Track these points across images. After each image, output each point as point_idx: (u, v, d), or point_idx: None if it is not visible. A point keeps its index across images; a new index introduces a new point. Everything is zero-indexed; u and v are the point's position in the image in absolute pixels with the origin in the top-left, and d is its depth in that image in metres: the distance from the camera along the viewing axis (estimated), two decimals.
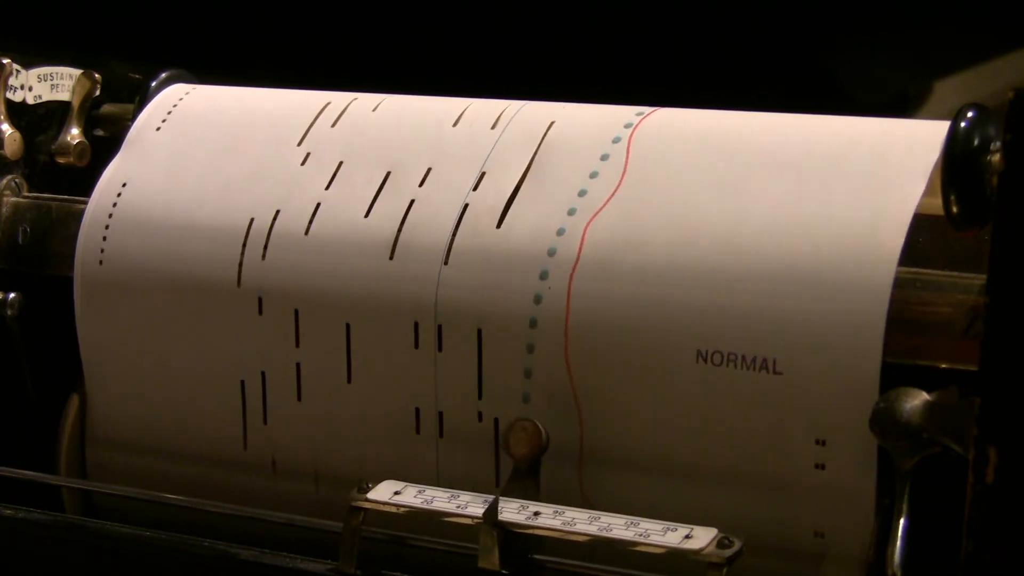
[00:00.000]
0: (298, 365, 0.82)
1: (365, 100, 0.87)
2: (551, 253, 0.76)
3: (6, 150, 0.91)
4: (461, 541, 0.72)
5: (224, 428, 0.84)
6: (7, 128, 0.91)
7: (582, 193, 0.77)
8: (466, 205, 0.79)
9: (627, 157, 0.78)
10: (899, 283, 0.71)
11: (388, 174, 0.82)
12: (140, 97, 0.91)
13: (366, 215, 0.81)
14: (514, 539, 0.70)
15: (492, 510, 0.70)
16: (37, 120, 0.93)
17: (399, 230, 0.80)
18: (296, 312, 0.81)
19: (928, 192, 0.73)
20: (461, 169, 0.81)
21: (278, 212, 0.82)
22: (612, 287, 0.75)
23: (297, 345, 0.81)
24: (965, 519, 0.63)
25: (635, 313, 0.74)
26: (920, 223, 0.73)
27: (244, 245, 0.82)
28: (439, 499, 0.72)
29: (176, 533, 0.77)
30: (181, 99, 0.91)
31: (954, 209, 0.72)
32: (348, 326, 0.80)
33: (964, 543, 0.63)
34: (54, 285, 0.89)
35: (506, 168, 0.80)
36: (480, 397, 0.78)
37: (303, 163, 0.84)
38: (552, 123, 0.81)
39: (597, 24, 1.45)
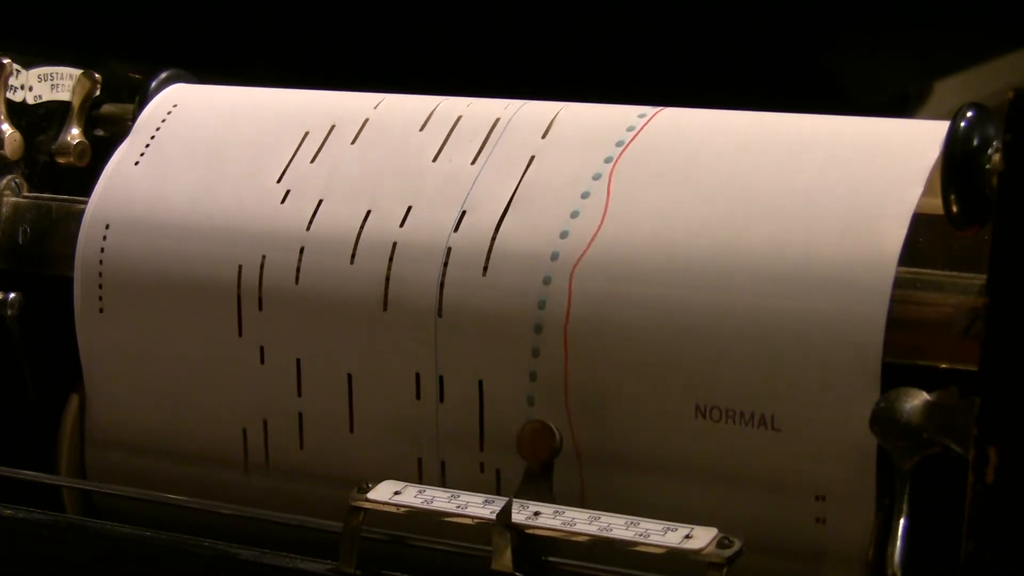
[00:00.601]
0: (298, 361, 0.82)
1: (346, 128, 0.86)
2: (541, 306, 0.76)
3: (6, 150, 0.91)
4: (461, 541, 0.72)
5: (224, 428, 0.84)
6: (7, 128, 0.91)
7: (564, 235, 0.77)
8: (449, 249, 0.79)
9: (608, 195, 0.78)
10: (899, 283, 0.71)
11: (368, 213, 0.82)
12: (140, 97, 0.91)
13: (351, 261, 0.80)
14: (527, 541, 0.70)
15: (505, 512, 0.70)
16: (37, 120, 0.93)
17: (387, 280, 0.79)
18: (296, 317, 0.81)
19: (928, 192, 0.73)
20: (443, 207, 0.80)
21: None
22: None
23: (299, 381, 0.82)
24: (965, 519, 0.63)
25: (633, 358, 0.74)
26: (920, 223, 0.73)
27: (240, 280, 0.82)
28: (439, 499, 0.72)
29: (176, 533, 0.77)
30: (181, 99, 0.91)
31: (954, 209, 0.72)
32: (350, 376, 0.80)
33: (964, 543, 0.63)
34: (54, 285, 0.88)
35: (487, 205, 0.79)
36: (482, 449, 0.78)
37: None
38: (532, 157, 0.81)
39: (597, 24, 1.45)
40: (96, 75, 0.94)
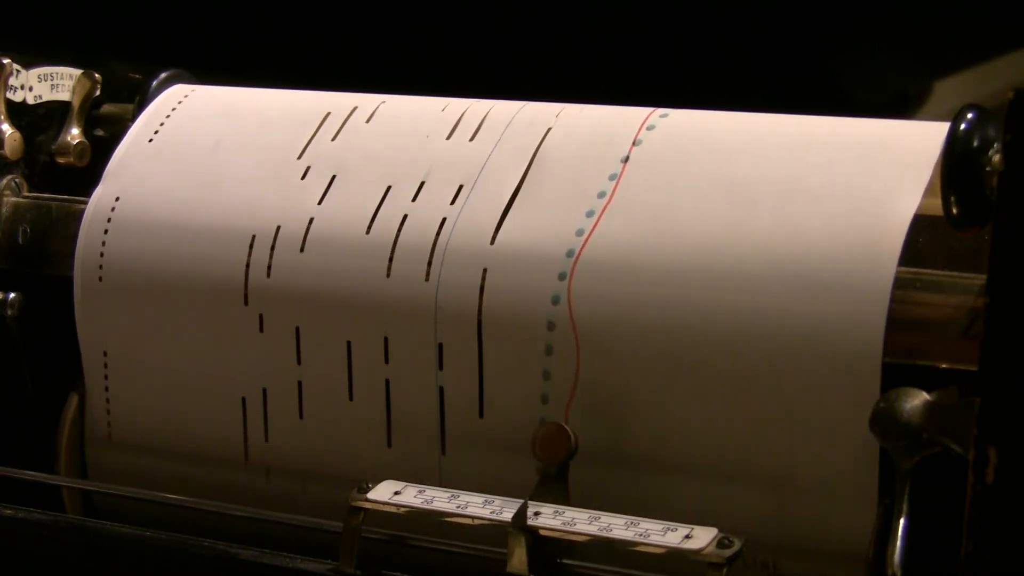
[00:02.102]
0: (299, 384, 0.82)
1: (362, 110, 0.87)
2: (555, 301, 0.76)
3: (6, 150, 0.91)
4: (461, 541, 0.72)
5: (224, 428, 0.84)
6: (7, 128, 0.91)
7: (580, 233, 0.77)
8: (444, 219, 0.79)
9: (611, 194, 0.78)
10: (899, 283, 0.71)
11: (389, 188, 0.82)
12: (140, 97, 0.91)
13: (367, 231, 0.81)
14: (541, 543, 0.70)
15: (521, 514, 0.70)
16: (37, 120, 0.93)
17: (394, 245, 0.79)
18: (297, 330, 0.81)
19: (928, 192, 0.73)
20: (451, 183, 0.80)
21: (279, 228, 0.82)
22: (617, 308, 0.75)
23: (299, 363, 0.82)
24: (965, 519, 0.63)
25: (632, 357, 0.75)
26: (920, 223, 0.73)
27: (249, 257, 0.82)
28: (439, 499, 0.72)
29: (176, 533, 0.77)
30: (181, 100, 0.91)
31: (954, 209, 0.72)
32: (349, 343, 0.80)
33: (964, 543, 0.63)
34: (54, 285, 0.88)
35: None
36: (481, 415, 0.78)
37: (303, 177, 0.84)
38: (547, 130, 0.81)
39: (597, 24, 1.45)
40: (96, 75, 0.94)
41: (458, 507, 0.71)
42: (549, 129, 0.81)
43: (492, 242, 0.78)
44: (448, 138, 0.83)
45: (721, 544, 0.67)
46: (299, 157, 0.85)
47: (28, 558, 0.80)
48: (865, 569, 0.71)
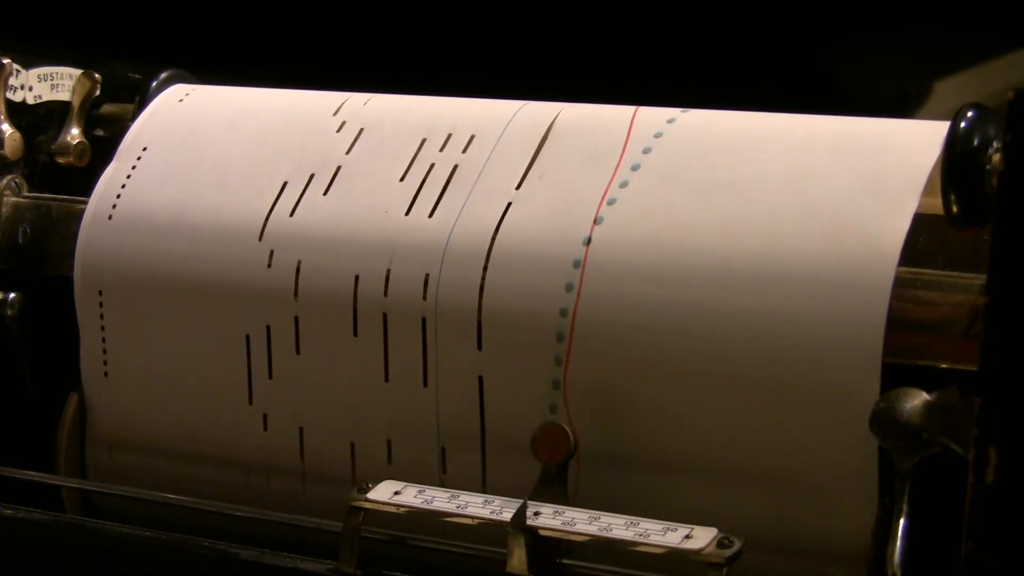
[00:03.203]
0: (299, 383, 0.82)
1: (363, 111, 0.87)
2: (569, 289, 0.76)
3: (6, 150, 0.91)
4: (461, 541, 0.72)
5: (225, 427, 0.84)
6: (7, 128, 0.91)
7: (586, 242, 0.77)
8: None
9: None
10: (899, 283, 0.71)
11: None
12: (140, 97, 0.91)
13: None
14: (541, 543, 0.70)
15: (520, 515, 0.70)
16: (37, 120, 0.93)
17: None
18: (297, 330, 0.81)
19: (928, 192, 0.73)
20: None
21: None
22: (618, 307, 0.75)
23: (298, 352, 0.82)
24: (965, 519, 0.63)
25: (633, 357, 0.75)
26: (920, 223, 0.73)
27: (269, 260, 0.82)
28: (439, 499, 0.72)
29: (176, 533, 0.77)
30: (181, 100, 0.91)
31: (954, 209, 0.72)
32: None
33: (964, 543, 0.63)
34: (54, 285, 0.88)
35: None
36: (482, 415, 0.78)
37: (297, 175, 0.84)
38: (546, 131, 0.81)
39: (597, 24, 1.45)
40: (96, 75, 0.94)
41: (458, 507, 0.71)
42: (548, 130, 0.81)
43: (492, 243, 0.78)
44: (442, 149, 0.82)
45: (721, 544, 0.67)
46: (297, 157, 0.85)
47: (28, 558, 0.80)
48: (865, 569, 0.71)
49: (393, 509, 0.72)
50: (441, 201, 0.80)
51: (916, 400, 0.68)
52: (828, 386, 0.71)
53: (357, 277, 0.80)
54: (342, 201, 0.82)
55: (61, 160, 0.94)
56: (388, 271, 0.79)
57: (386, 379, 0.79)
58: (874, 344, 0.70)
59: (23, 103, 0.92)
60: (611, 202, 0.77)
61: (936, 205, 0.72)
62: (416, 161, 0.82)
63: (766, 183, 0.75)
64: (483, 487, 0.77)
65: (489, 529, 0.71)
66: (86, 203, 0.88)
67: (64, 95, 0.94)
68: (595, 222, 0.77)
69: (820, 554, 0.72)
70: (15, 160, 0.92)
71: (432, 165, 0.82)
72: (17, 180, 0.93)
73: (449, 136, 0.83)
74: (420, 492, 0.73)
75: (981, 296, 0.67)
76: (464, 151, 0.82)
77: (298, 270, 0.81)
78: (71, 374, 0.88)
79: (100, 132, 0.94)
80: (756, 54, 1.48)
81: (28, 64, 0.92)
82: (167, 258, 0.84)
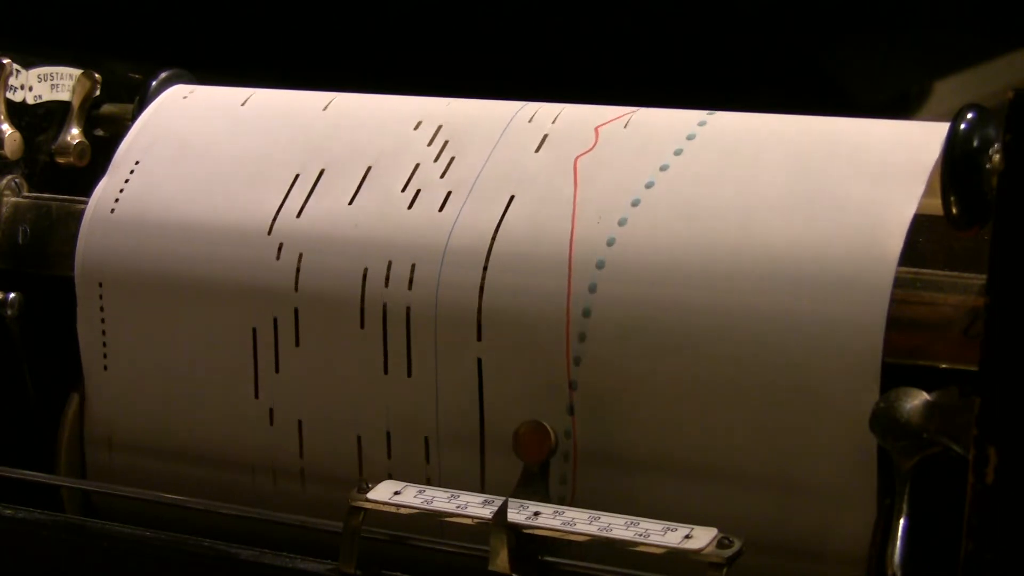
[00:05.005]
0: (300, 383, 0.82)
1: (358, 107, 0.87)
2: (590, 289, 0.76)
3: (6, 150, 0.91)
4: (461, 541, 0.72)
5: (224, 427, 0.84)
6: (7, 128, 0.91)
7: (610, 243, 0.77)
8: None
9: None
10: (899, 283, 0.71)
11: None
12: (140, 97, 0.91)
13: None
14: (524, 541, 0.70)
15: (501, 512, 0.70)
16: (37, 120, 0.93)
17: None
18: (297, 330, 0.81)
19: (928, 192, 0.73)
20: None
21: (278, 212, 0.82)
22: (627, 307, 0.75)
23: (297, 344, 0.82)
24: (965, 519, 0.63)
25: (633, 357, 0.75)
26: (920, 223, 0.73)
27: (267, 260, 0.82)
28: (439, 499, 0.72)
29: (176, 533, 0.77)
30: (181, 100, 0.91)
31: (954, 209, 0.72)
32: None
33: (964, 543, 0.63)
34: (54, 285, 0.88)
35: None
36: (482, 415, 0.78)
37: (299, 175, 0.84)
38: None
39: (597, 24, 1.45)
40: (96, 75, 0.94)
41: (458, 507, 0.71)
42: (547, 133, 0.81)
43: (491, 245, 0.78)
44: (428, 147, 0.83)
45: (721, 544, 0.67)
46: (299, 154, 0.85)
47: (28, 558, 0.80)
48: (865, 569, 0.71)
49: (393, 509, 0.72)
50: (445, 201, 0.80)
51: (916, 400, 0.68)
52: (828, 386, 0.71)
53: (366, 269, 0.80)
54: (347, 198, 0.82)
55: (61, 160, 0.94)
56: (389, 264, 0.79)
57: (385, 373, 0.80)
58: (874, 344, 0.70)
59: (23, 103, 0.92)
60: (635, 203, 0.77)
61: (936, 205, 0.72)
62: (417, 160, 0.82)
63: (764, 183, 0.75)
64: (482, 487, 0.77)
65: (489, 529, 0.71)
66: (86, 203, 0.88)
67: (64, 95, 0.94)
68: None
69: (820, 554, 0.72)
70: (15, 160, 0.92)
71: (433, 165, 0.82)
72: (17, 180, 0.93)
73: (439, 131, 0.83)
74: (420, 492, 0.73)
75: (981, 296, 0.67)
76: (462, 150, 0.82)
77: (298, 269, 0.81)
78: (71, 374, 0.88)
79: (100, 132, 0.94)
80: (756, 54, 1.48)
81: (28, 64, 0.92)
82: (168, 258, 0.84)
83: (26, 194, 0.93)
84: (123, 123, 0.92)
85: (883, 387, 0.70)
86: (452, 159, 0.82)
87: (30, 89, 0.92)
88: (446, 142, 0.82)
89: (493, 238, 0.78)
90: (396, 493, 0.73)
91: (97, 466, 0.88)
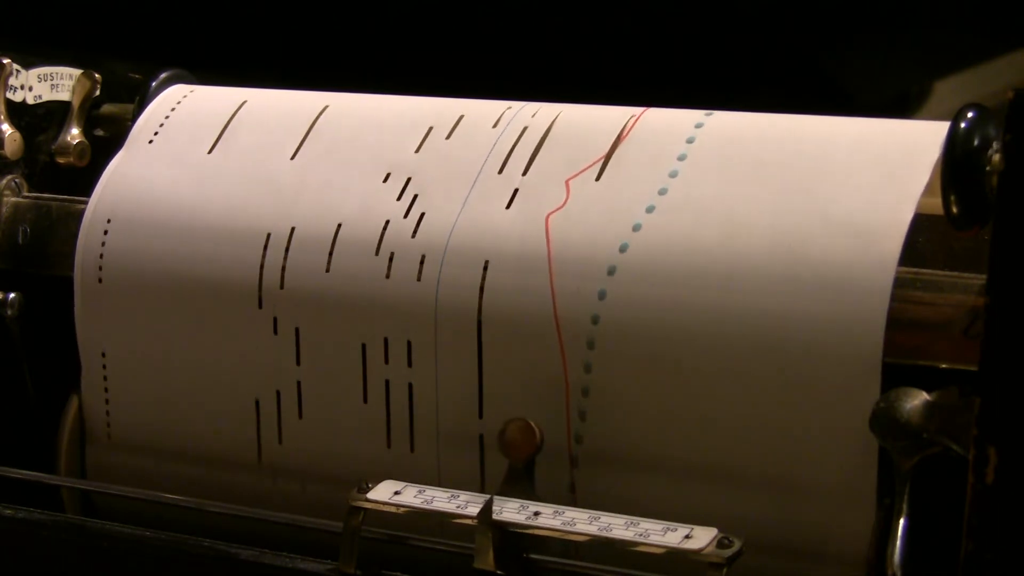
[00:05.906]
0: (300, 385, 0.82)
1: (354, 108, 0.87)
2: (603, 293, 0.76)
3: (6, 150, 0.91)
4: (461, 541, 0.72)
5: (225, 428, 0.84)
6: (7, 128, 0.91)
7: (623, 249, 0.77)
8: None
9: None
10: (899, 283, 0.71)
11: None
12: (140, 97, 0.91)
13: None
14: (510, 539, 0.70)
15: (487, 510, 0.70)
16: (37, 120, 0.93)
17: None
18: (296, 330, 0.81)
19: (928, 192, 0.73)
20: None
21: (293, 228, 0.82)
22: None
23: (298, 361, 0.82)
24: (965, 519, 0.63)
25: (633, 357, 0.74)
26: (920, 223, 0.73)
27: (263, 259, 0.82)
28: (439, 499, 0.72)
29: (176, 533, 0.77)
30: (181, 100, 0.91)
31: (954, 209, 0.72)
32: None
33: (964, 543, 0.63)
34: (54, 285, 0.88)
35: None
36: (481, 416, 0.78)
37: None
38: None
39: (597, 24, 1.45)
40: (96, 75, 0.94)
41: (458, 507, 0.71)
42: (547, 131, 0.81)
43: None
44: (418, 145, 0.83)
45: (721, 544, 0.67)
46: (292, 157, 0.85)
47: (28, 558, 0.80)
48: (865, 569, 0.71)
49: (393, 509, 0.72)
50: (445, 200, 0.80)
51: (916, 400, 0.68)
52: (828, 386, 0.71)
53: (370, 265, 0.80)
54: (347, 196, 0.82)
55: (61, 160, 0.94)
56: (391, 255, 0.79)
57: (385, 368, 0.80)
58: (874, 344, 0.70)
59: (23, 103, 0.92)
60: (649, 209, 0.77)
61: (936, 205, 0.72)
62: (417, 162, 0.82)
63: (764, 183, 0.75)
64: (482, 487, 0.77)
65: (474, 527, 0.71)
66: (86, 203, 0.88)
67: (64, 95, 0.94)
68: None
69: (820, 554, 0.72)
70: (15, 160, 0.92)
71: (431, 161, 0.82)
72: (17, 180, 0.93)
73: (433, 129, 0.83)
74: (420, 492, 0.73)
75: (981, 296, 0.67)
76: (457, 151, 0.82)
77: (284, 266, 0.81)
78: (71, 374, 0.88)
79: (100, 132, 0.95)
80: (756, 54, 1.48)
81: (28, 64, 0.92)
82: (167, 258, 0.84)
83: (26, 194, 0.93)
84: (123, 123, 0.92)
85: (883, 387, 0.70)
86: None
87: (30, 89, 0.92)
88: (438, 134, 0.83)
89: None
90: (396, 493, 0.73)
91: (97, 466, 0.88)
